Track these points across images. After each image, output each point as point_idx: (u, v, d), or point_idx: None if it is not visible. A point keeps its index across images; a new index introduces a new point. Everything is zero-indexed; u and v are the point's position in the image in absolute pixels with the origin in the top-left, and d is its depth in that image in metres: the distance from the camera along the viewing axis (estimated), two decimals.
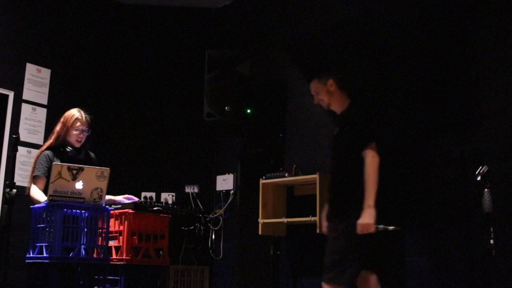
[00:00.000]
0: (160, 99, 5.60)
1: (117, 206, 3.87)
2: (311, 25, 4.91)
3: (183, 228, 5.17)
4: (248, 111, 4.97)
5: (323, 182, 4.03)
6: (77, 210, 3.40)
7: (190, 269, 5.09)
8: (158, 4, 5.74)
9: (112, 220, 3.79)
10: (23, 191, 3.75)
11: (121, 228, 3.82)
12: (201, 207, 5.33)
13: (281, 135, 4.92)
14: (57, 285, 3.27)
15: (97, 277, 3.49)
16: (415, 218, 3.90)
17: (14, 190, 3.16)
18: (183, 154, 5.52)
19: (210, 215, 5.27)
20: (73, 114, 3.78)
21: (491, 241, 2.81)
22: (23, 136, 4.66)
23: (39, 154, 3.72)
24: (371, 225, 2.97)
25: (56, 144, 3.75)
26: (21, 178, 4.46)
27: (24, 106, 4.86)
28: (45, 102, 5.00)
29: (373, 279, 3.18)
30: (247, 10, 5.60)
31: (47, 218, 3.38)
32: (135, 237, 3.83)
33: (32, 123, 4.88)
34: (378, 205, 3.01)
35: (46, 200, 3.40)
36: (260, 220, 4.46)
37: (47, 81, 5.06)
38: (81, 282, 3.43)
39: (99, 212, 3.50)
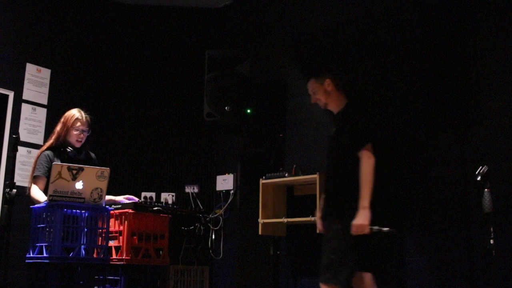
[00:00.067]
0: (160, 99, 5.60)
1: (117, 206, 3.87)
2: (311, 25, 4.91)
3: (183, 228, 5.17)
4: (248, 111, 4.97)
5: (323, 182, 4.03)
6: (77, 210, 3.40)
7: (190, 269, 5.09)
8: (158, 4, 5.75)
9: (112, 220, 3.79)
10: (23, 191, 3.75)
11: (121, 228, 3.82)
12: (201, 207, 5.33)
13: (281, 135, 4.92)
14: (57, 285, 3.27)
15: (97, 277, 3.48)
16: (415, 218, 3.90)
17: (14, 190, 3.16)
18: (183, 154, 5.52)
19: (210, 215, 5.27)
20: (73, 114, 3.79)
21: (491, 241, 2.81)
22: (23, 136, 4.67)
23: (40, 154, 3.72)
24: (365, 226, 2.97)
25: (56, 144, 3.75)
26: (21, 178, 4.47)
27: (24, 106, 4.86)
28: (45, 102, 5.01)
29: (368, 278, 3.17)
30: (247, 10, 5.60)
31: (47, 218, 3.38)
32: (135, 237, 3.83)
33: (32, 123, 4.88)
34: (375, 206, 3.01)
35: (46, 200, 3.40)
36: (260, 220, 4.46)
37: (47, 81, 5.06)
38: (81, 282, 3.43)
39: (99, 212, 3.50)
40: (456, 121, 3.67)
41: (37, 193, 3.59)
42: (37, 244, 3.38)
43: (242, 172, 5.16)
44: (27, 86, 4.90)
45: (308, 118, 4.72)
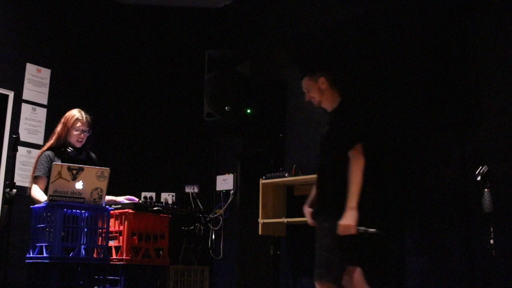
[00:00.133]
0: (160, 99, 5.60)
1: (117, 206, 3.88)
2: (311, 25, 4.91)
3: (183, 228, 5.18)
4: (248, 111, 4.97)
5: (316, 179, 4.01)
6: (77, 210, 3.40)
7: (190, 269, 5.09)
8: (158, 4, 5.75)
9: (112, 220, 3.79)
10: (23, 191, 3.76)
11: (121, 228, 3.82)
12: (201, 207, 5.33)
13: (281, 135, 4.92)
14: (57, 285, 3.27)
15: (97, 277, 3.48)
16: (415, 218, 3.90)
17: (14, 190, 3.16)
18: (183, 154, 5.52)
19: (210, 215, 5.27)
20: (74, 115, 3.79)
21: (491, 241, 2.81)
22: (23, 136, 4.67)
23: (40, 155, 3.72)
24: (352, 227, 2.96)
25: (57, 145, 3.76)
26: (21, 178, 4.47)
27: (24, 106, 4.86)
28: (45, 102, 5.01)
29: (357, 274, 3.17)
30: (247, 10, 5.60)
31: (47, 218, 3.38)
32: (135, 237, 3.84)
33: (32, 123, 4.88)
34: (362, 207, 3.01)
35: (46, 200, 3.40)
36: (260, 220, 4.46)
37: (47, 81, 5.06)
38: (81, 282, 3.43)
39: (99, 212, 3.50)
40: (456, 121, 3.67)
41: (38, 193, 3.59)
42: (37, 244, 3.38)
43: (242, 172, 5.16)
44: (27, 86, 4.90)
45: (308, 118, 4.71)
